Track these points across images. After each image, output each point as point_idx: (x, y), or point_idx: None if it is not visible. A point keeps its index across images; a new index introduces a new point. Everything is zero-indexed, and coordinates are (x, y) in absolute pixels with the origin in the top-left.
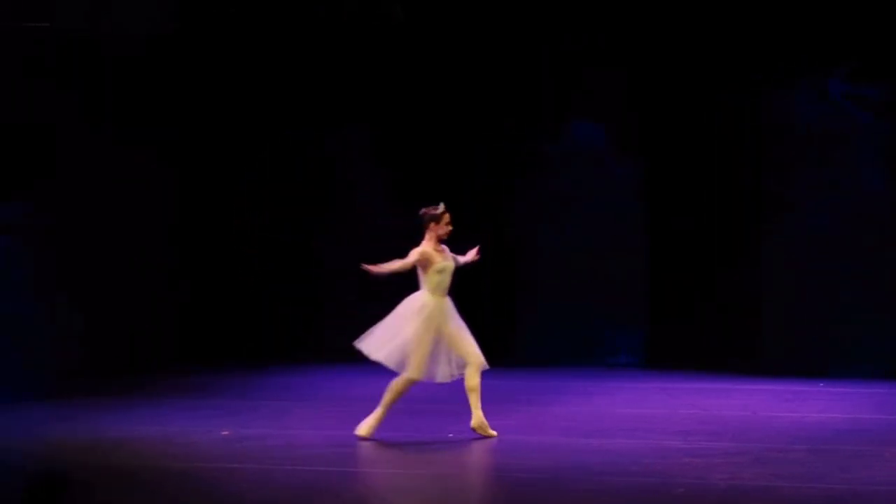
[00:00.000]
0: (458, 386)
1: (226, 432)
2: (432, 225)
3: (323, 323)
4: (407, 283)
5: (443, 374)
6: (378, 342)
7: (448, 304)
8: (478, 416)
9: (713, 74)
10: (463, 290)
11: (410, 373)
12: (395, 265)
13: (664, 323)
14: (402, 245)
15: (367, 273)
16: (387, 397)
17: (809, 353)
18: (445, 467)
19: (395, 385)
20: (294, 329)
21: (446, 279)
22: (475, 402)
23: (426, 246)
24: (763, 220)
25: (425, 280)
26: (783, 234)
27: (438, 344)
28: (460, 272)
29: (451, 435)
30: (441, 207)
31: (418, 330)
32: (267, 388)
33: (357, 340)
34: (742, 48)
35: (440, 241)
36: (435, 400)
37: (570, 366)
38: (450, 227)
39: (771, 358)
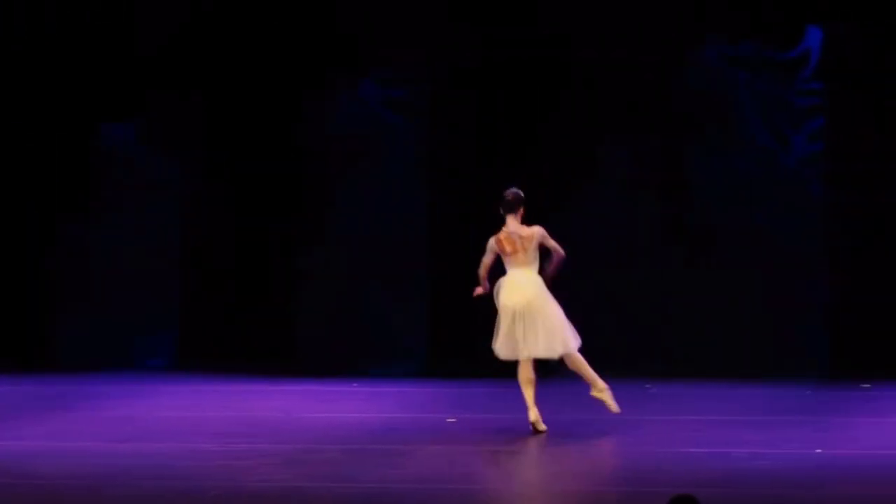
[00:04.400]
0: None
1: None
2: None
3: None
4: None
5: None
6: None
7: None
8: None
9: (252, 77)
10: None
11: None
12: None
13: (198, 324)
14: None
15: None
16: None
17: (344, 354)
18: None
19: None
20: None
21: None
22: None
23: None
24: (302, 222)
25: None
26: (323, 236)
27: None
28: None
29: None
30: None
31: None
32: None
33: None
34: (277, 52)
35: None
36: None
37: (103, 369)
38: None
39: (305, 359)
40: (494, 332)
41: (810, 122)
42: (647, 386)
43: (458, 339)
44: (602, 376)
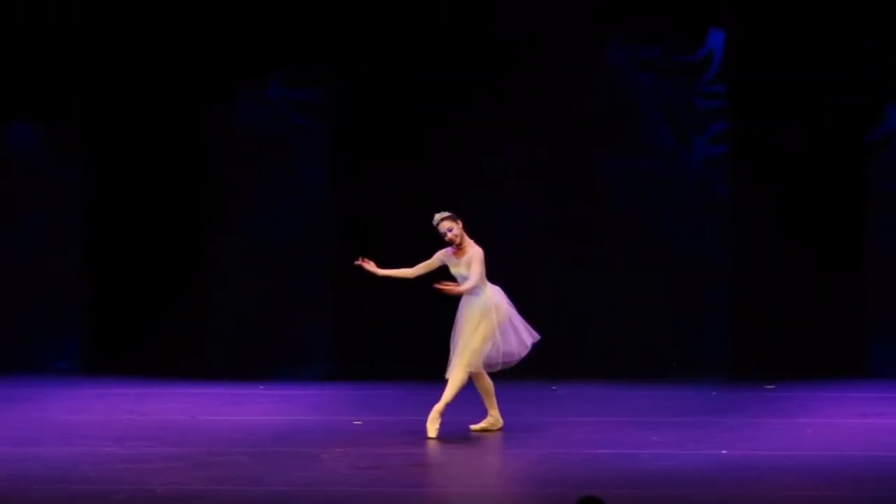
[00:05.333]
0: None
1: None
2: None
3: None
4: None
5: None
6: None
7: (463, 301)
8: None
9: (157, 79)
10: None
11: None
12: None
13: (104, 326)
14: None
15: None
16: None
17: (251, 356)
18: None
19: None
20: None
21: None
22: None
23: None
24: (209, 223)
25: None
26: (230, 238)
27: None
28: None
29: None
30: (435, 219)
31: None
32: None
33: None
34: (185, 54)
35: (455, 246)
36: None
37: (7, 373)
38: (448, 237)
39: (213, 361)
40: (490, 343)
41: (714, 125)
42: (554, 387)
43: (366, 342)
44: (509, 378)
